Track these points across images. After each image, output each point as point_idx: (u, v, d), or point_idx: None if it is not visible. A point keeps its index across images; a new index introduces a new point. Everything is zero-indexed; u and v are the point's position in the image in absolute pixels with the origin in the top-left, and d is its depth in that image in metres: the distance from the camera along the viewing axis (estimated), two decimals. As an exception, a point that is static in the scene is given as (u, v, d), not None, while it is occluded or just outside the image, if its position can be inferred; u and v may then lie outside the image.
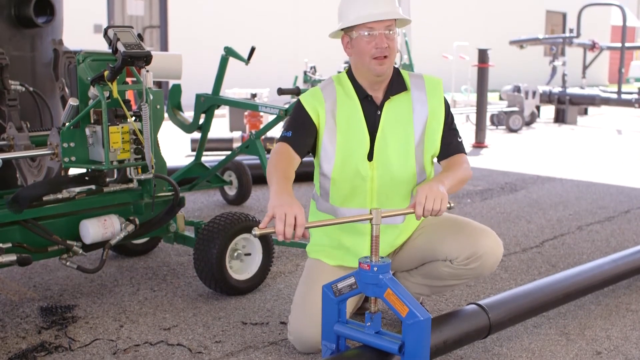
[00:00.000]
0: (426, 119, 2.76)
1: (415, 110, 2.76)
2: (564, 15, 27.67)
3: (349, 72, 2.82)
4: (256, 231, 2.20)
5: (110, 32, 3.14)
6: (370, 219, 2.33)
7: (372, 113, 2.76)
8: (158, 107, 3.45)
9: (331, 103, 2.76)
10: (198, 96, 4.99)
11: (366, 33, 2.64)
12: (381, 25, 2.63)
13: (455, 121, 2.89)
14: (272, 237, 3.70)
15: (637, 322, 3.27)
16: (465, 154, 2.84)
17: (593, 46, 15.18)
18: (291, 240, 2.26)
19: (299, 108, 2.78)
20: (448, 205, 2.49)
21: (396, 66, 2.83)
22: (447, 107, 2.82)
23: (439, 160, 2.86)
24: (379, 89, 2.77)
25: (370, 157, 2.74)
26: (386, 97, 2.76)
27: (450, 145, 2.81)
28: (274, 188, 2.41)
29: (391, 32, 2.66)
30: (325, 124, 2.74)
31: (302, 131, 2.73)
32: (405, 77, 2.82)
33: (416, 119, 2.76)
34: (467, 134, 10.90)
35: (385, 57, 2.66)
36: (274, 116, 4.62)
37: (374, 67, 2.67)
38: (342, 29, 2.73)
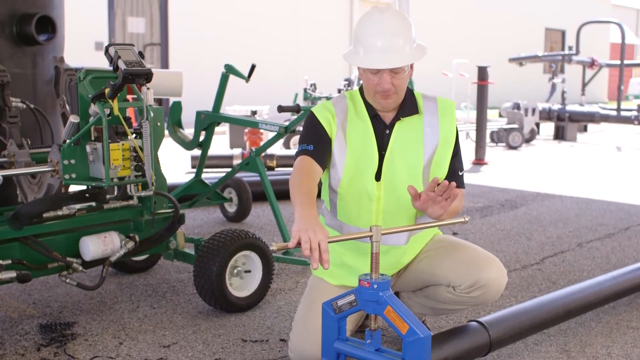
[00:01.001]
0: (437, 144, 2.72)
1: (426, 134, 2.73)
2: (563, 33, 27.81)
3: (362, 89, 2.79)
4: (273, 246, 2.21)
5: (112, 50, 3.16)
6: (370, 236, 2.33)
7: (380, 132, 2.73)
8: (158, 124, 3.46)
9: (342, 118, 2.74)
10: (198, 113, 5.01)
11: (374, 70, 2.60)
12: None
13: (461, 149, 2.84)
14: (272, 254, 3.70)
15: (638, 340, 3.26)
16: (464, 188, 2.80)
17: (592, 63, 15.24)
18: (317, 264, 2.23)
19: (312, 120, 2.73)
20: (462, 220, 2.46)
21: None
22: (457, 134, 2.79)
23: None
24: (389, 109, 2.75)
25: (377, 177, 2.72)
26: (397, 117, 2.73)
27: (453, 177, 2.75)
28: (298, 210, 2.34)
29: (399, 71, 2.59)
30: (336, 137, 2.72)
31: (321, 142, 2.68)
32: (419, 99, 2.78)
33: (427, 143, 2.72)
34: (467, 151, 10.92)
35: (390, 94, 2.62)
36: (274, 133, 4.64)
37: (378, 100, 2.66)
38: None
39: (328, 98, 8.44)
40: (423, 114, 2.75)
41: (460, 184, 2.77)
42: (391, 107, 2.70)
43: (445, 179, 2.73)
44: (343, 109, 2.76)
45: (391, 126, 2.73)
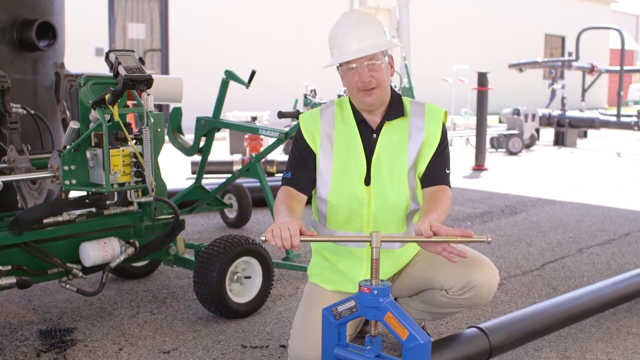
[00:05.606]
0: (421, 145, 2.74)
1: (411, 136, 2.75)
2: (563, 39, 27.84)
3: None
4: (263, 236, 2.32)
5: (112, 56, 3.16)
6: (370, 242, 2.33)
7: (367, 137, 2.76)
8: (159, 130, 3.47)
9: (328, 126, 2.78)
10: (198, 119, 5.01)
11: (352, 66, 2.65)
12: (362, 60, 2.63)
13: (450, 154, 2.82)
14: (272, 260, 3.71)
15: (639, 346, 3.25)
16: (450, 187, 2.76)
17: (592, 69, 15.24)
18: (288, 249, 2.34)
19: (297, 135, 2.81)
20: (485, 239, 2.32)
21: (398, 92, 2.82)
22: (443, 135, 2.78)
23: (422, 186, 2.77)
24: (376, 113, 2.77)
25: (367, 181, 2.74)
26: (382, 121, 2.76)
27: (437, 171, 2.74)
28: (277, 218, 2.49)
29: (376, 63, 2.63)
30: (320, 147, 2.76)
31: (301, 167, 2.77)
32: (406, 103, 2.81)
33: (411, 146, 2.74)
34: (466, 157, 10.93)
35: (372, 88, 2.65)
36: (274, 139, 4.64)
37: (362, 98, 2.68)
38: None
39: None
40: (410, 117, 2.78)
41: (447, 182, 2.76)
42: (376, 104, 2.71)
43: (424, 175, 2.75)
44: (329, 116, 2.80)
45: (378, 130, 2.76)
